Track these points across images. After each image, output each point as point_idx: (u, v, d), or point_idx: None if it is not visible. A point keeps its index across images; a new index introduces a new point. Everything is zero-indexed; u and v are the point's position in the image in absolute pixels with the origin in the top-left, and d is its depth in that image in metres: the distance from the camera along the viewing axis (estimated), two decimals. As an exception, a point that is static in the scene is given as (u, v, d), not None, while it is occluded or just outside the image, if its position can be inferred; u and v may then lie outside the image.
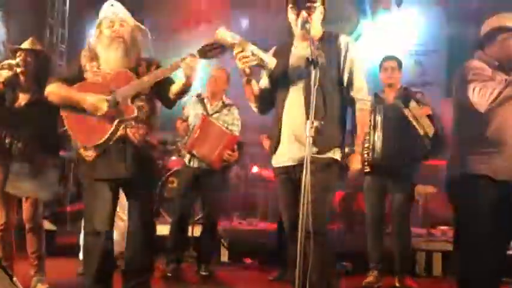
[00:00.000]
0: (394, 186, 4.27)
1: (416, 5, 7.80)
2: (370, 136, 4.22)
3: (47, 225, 4.92)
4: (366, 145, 4.25)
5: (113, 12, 3.06)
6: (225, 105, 4.60)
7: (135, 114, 2.96)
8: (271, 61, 2.85)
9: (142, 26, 3.20)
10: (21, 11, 7.45)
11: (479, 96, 2.83)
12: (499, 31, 3.00)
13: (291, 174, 2.96)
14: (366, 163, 4.23)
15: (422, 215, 5.89)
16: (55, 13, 7.95)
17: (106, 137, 2.94)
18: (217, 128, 4.42)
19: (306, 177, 2.43)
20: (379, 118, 4.22)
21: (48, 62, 4.03)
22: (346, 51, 2.96)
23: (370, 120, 4.20)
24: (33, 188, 3.84)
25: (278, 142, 2.98)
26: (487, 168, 2.90)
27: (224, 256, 5.31)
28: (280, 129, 2.96)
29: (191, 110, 4.59)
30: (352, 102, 2.99)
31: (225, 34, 2.75)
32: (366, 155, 4.23)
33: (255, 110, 3.14)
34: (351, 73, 2.96)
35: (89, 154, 3.03)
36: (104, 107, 2.93)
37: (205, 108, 4.56)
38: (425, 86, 7.08)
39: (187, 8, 8.17)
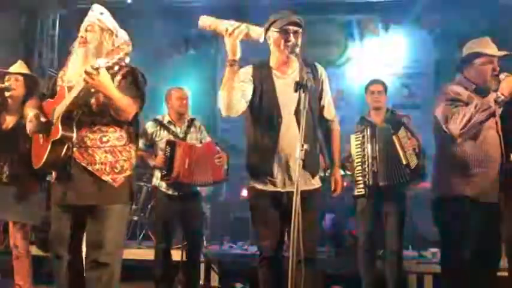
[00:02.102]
0: (388, 208, 4.27)
1: (403, 29, 7.90)
2: (362, 158, 4.25)
3: (35, 250, 4.83)
4: (359, 168, 4.28)
5: (88, 17, 2.91)
6: (189, 123, 4.53)
7: (59, 135, 2.73)
8: (258, 32, 2.71)
9: (120, 31, 2.94)
10: (10, 35, 7.46)
11: (452, 122, 2.95)
12: (476, 55, 3.10)
13: (279, 199, 2.95)
14: (361, 186, 4.25)
15: (413, 237, 5.88)
16: (44, 37, 7.96)
17: (43, 160, 2.78)
18: (199, 149, 4.37)
19: (296, 202, 2.43)
20: (369, 140, 4.25)
21: (36, 86, 4.03)
22: (324, 79, 3.14)
23: (360, 143, 4.27)
24: (21, 212, 3.81)
25: (271, 169, 2.97)
26: (467, 190, 2.96)
27: (214, 281, 5.25)
28: (275, 153, 2.95)
29: (156, 138, 4.41)
30: (327, 123, 3.20)
31: (206, 20, 2.71)
32: (360, 178, 4.26)
33: (225, 100, 2.85)
34: (328, 99, 3.18)
35: (53, 176, 2.96)
36: (38, 126, 2.84)
37: (174, 133, 4.43)
38: (413, 108, 7.15)
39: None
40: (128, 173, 2.90)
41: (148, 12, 7.18)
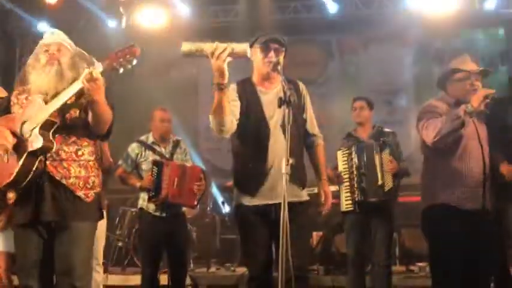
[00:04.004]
0: (376, 223, 4.28)
1: (382, 46, 8.02)
2: (351, 175, 4.29)
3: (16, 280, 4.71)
4: (347, 184, 4.31)
5: (51, 38, 2.90)
6: (175, 144, 4.48)
7: (40, 144, 2.62)
8: (242, 47, 2.65)
9: (87, 54, 2.93)
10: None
11: (425, 132, 3.11)
12: (454, 72, 3.26)
13: (268, 214, 2.92)
14: (349, 202, 4.28)
15: (400, 252, 5.91)
16: (22, 64, 7.93)
17: (14, 175, 2.62)
18: (187, 169, 4.32)
19: (283, 215, 2.41)
20: (356, 156, 4.30)
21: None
22: (305, 95, 3.19)
23: (348, 159, 4.32)
24: (3, 241, 3.72)
25: (261, 181, 2.95)
26: (451, 199, 3.08)
27: (203, 304, 5.18)
28: (264, 165, 2.94)
29: (141, 159, 4.34)
30: (311, 137, 3.23)
31: (189, 45, 2.65)
32: (348, 194, 4.29)
33: (218, 125, 2.82)
34: (310, 114, 3.22)
35: (10, 197, 2.78)
36: (10, 138, 2.69)
37: (159, 153, 4.37)
38: (395, 124, 7.22)
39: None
40: (98, 189, 2.83)
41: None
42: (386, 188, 4.20)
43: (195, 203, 4.34)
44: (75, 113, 2.80)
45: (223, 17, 7.82)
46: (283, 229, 2.42)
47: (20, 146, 2.69)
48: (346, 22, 7.83)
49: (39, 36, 8.75)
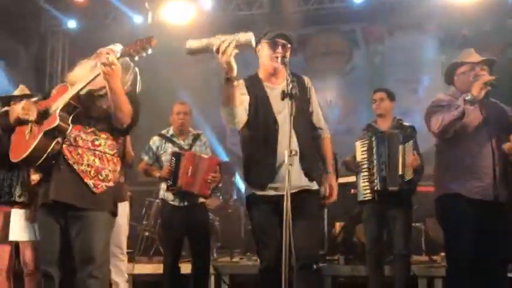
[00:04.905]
0: (395, 212, 4.28)
1: (408, 35, 7.91)
2: (370, 165, 4.31)
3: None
4: (365, 173, 4.33)
5: (107, 47, 2.97)
6: (195, 137, 4.61)
7: (56, 124, 2.70)
8: (246, 36, 2.65)
9: (131, 63, 3.02)
10: (22, 60, 7.70)
11: (430, 124, 3.21)
12: (459, 65, 3.30)
13: (279, 204, 2.97)
14: (368, 191, 4.30)
15: (424, 241, 5.87)
16: (54, 61, 8.20)
17: (28, 151, 2.70)
18: (203, 159, 4.42)
19: (286, 206, 2.48)
20: (377, 146, 4.31)
21: None
22: (310, 88, 3.20)
23: (367, 149, 4.35)
24: (33, 232, 3.89)
25: (271, 173, 3.00)
26: (462, 189, 3.10)
27: (225, 292, 5.28)
28: (274, 158, 2.99)
29: (161, 151, 4.49)
30: (317, 131, 3.25)
31: (194, 43, 2.71)
32: (367, 183, 4.31)
33: (229, 116, 2.91)
34: (315, 106, 3.23)
35: (33, 178, 2.90)
36: (33, 111, 2.79)
37: (178, 145, 4.50)
38: (421, 113, 7.12)
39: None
40: (111, 184, 2.88)
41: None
42: (407, 178, 4.19)
43: (208, 192, 4.43)
44: (100, 107, 2.89)
45: (246, 10, 7.83)
46: (286, 219, 2.48)
47: (41, 124, 2.78)
48: (370, 11, 7.73)
49: (69, 33, 9.06)
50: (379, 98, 4.53)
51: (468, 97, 3.01)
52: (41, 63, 8.25)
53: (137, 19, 7.92)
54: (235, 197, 6.89)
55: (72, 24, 8.12)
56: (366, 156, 4.38)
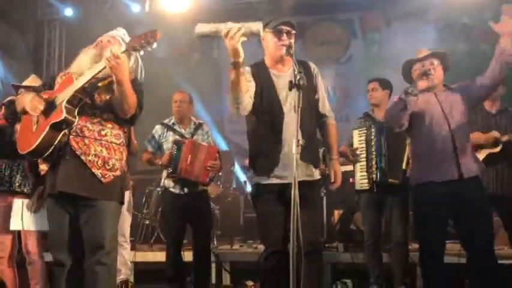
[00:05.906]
0: (392, 201, 4.33)
1: (406, 24, 7.93)
2: (369, 155, 4.33)
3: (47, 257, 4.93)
4: (363, 163, 4.36)
5: (109, 33, 3.03)
6: (197, 126, 4.63)
7: (62, 117, 2.72)
8: (257, 26, 2.69)
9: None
10: (19, 49, 7.66)
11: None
12: (412, 62, 3.50)
13: (283, 193, 3.00)
14: (365, 181, 4.33)
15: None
16: (52, 49, 8.16)
17: (36, 143, 2.74)
18: (202, 147, 4.45)
19: (294, 194, 2.51)
20: (374, 136, 4.33)
21: None
22: (317, 75, 3.23)
23: (365, 139, 4.37)
24: (34, 221, 3.91)
25: (276, 162, 3.05)
26: (429, 177, 3.27)
27: (226, 280, 5.32)
28: (279, 147, 3.03)
29: (162, 139, 4.54)
30: (322, 118, 3.29)
31: (203, 27, 2.72)
32: (364, 173, 4.34)
33: (235, 102, 2.92)
34: (321, 94, 3.26)
35: (42, 168, 2.93)
36: (40, 105, 2.81)
37: (180, 133, 4.54)
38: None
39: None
40: (118, 173, 2.91)
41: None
42: (408, 173, 4.16)
43: (207, 179, 4.46)
44: (105, 96, 2.91)
45: (244, -1, 7.82)
46: (293, 208, 2.51)
47: (48, 116, 2.80)
48: (368, 0, 7.75)
49: (66, 21, 9.01)
50: (372, 87, 4.55)
51: (410, 90, 3.17)
52: (38, 51, 8.22)
53: (135, 8, 7.88)
54: (234, 185, 6.92)
55: (69, 12, 8.09)
56: (364, 146, 4.40)
